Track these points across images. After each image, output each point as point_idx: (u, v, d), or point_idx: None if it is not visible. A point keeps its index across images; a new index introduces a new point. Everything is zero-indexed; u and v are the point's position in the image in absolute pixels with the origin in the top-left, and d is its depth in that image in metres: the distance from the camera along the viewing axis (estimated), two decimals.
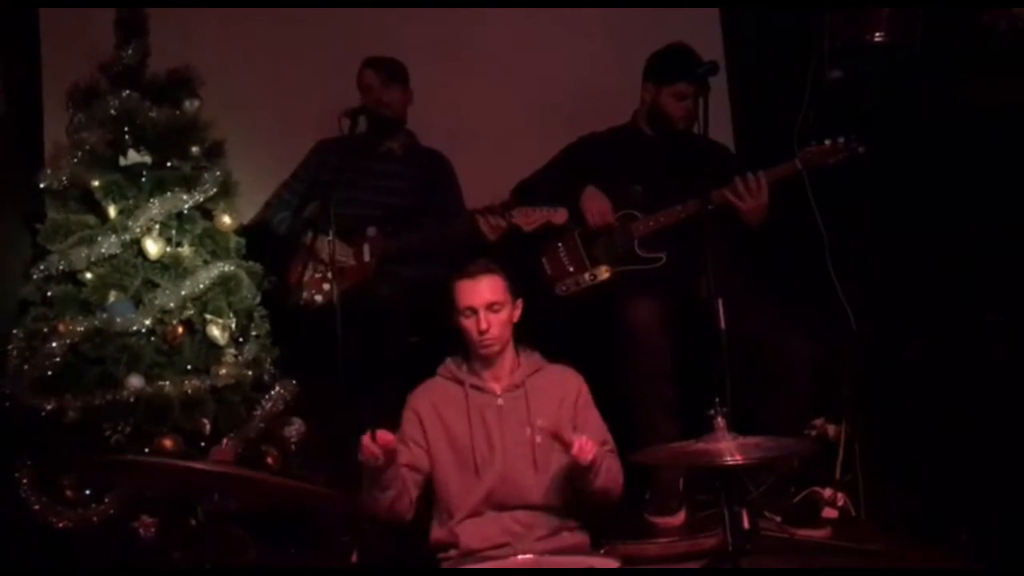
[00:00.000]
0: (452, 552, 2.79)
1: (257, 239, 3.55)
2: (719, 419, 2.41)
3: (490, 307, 2.83)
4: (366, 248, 3.58)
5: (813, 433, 3.43)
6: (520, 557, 2.54)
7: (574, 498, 2.82)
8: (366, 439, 2.61)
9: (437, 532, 2.84)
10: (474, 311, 2.82)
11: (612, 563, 2.39)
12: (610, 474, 2.79)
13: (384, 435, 2.64)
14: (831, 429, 3.46)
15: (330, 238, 3.10)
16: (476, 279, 2.85)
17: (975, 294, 3.30)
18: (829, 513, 3.28)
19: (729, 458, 2.30)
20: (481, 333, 2.81)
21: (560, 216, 3.43)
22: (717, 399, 2.45)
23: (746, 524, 2.91)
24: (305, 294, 3.50)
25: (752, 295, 3.32)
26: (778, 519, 3.15)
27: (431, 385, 2.94)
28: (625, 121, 3.70)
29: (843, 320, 3.51)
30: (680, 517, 3.29)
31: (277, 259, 3.56)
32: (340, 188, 3.35)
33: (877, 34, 3.59)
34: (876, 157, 3.45)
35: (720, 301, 2.84)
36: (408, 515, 2.80)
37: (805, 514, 3.25)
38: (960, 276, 3.34)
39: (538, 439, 2.83)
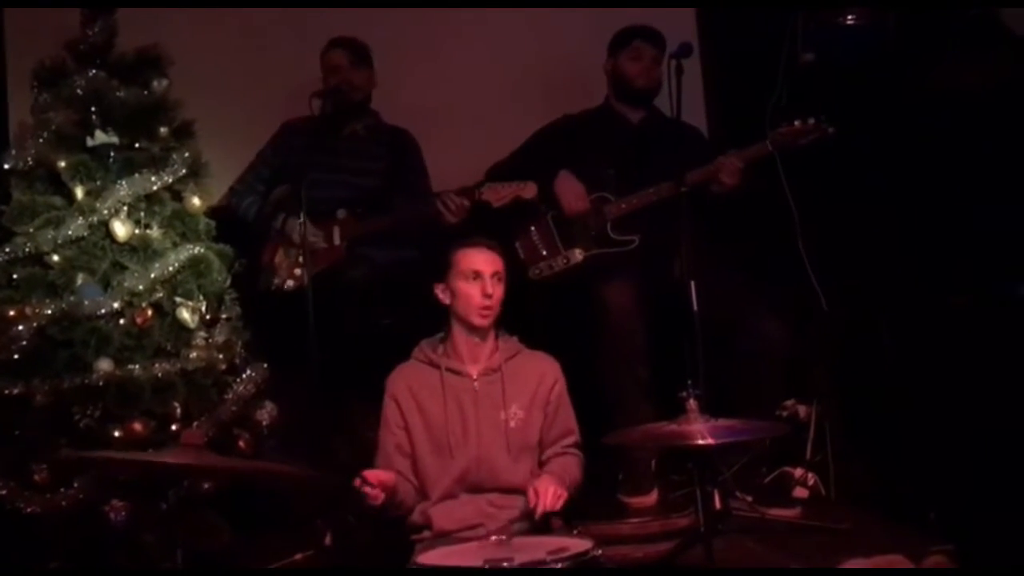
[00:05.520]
0: (425, 533, 2.80)
1: (223, 224, 3.50)
2: (691, 400, 2.42)
3: (495, 275, 2.85)
4: (336, 231, 3.55)
5: (784, 414, 3.45)
6: (493, 538, 2.55)
7: None
8: (365, 484, 2.62)
9: (413, 513, 2.84)
10: (479, 276, 2.83)
11: (585, 543, 2.40)
12: (573, 482, 2.80)
13: (377, 475, 2.67)
14: (802, 410, 3.48)
15: (301, 220, 3.07)
16: (484, 249, 2.88)
17: (945, 276, 3.34)
18: (800, 493, 3.31)
19: (701, 439, 2.31)
20: (486, 297, 2.82)
21: (529, 191, 3.40)
22: (690, 380, 2.47)
23: (718, 504, 2.95)
24: (276, 279, 3.47)
25: (725, 277, 3.33)
26: (749, 499, 3.18)
27: (406, 369, 2.93)
28: (599, 104, 3.70)
29: (814, 301, 3.54)
30: (653, 497, 3.31)
31: (246, 244, 3.51)
32: (308, 170, 3.31)
33: (850, 17, 3.60)
34: (848, 139, 3.46)
35: (693, 283, 2.86)
36: (417, 503, 2.83)
37: (776, 494, 3.28)
38: (930, 258, 3.37)
39: (511, 423, 2.83)
